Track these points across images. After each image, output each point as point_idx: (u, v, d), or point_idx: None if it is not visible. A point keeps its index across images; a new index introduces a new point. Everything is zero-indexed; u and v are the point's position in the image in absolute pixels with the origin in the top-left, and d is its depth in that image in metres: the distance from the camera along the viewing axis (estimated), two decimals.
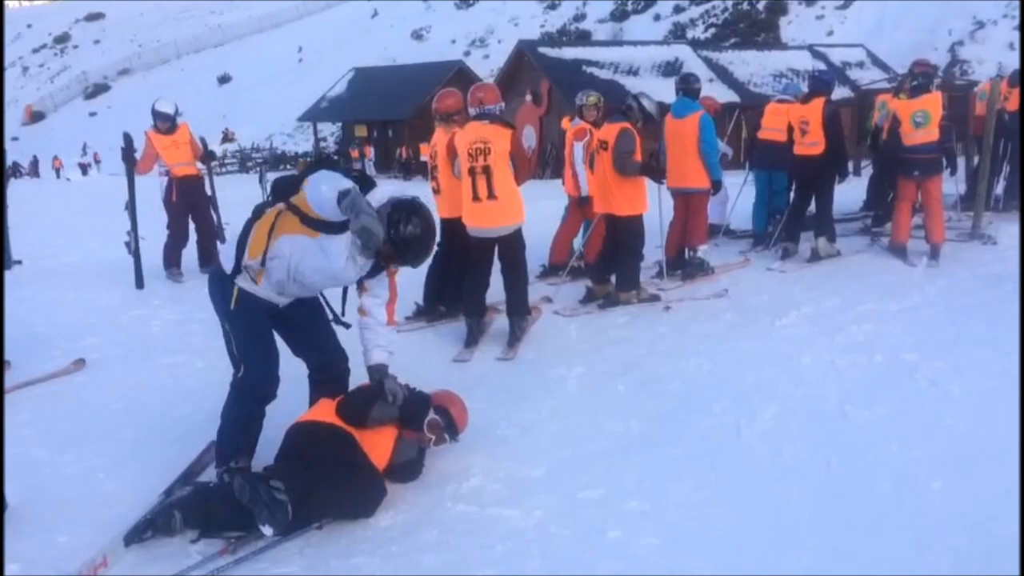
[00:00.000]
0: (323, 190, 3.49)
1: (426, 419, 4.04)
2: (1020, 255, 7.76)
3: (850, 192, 10.35)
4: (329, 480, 3.59)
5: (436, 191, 6.68)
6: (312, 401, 4.11)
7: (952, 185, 9.72)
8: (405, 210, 3.67)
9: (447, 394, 4.26)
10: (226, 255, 3.91)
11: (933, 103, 7.97)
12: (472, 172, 5.94)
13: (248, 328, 3.90)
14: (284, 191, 3.84)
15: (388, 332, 4.21)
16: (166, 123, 8.49)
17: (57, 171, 42.61)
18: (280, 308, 3.98)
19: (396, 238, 3.63)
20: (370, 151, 35.21)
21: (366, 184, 3.78)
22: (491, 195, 5.93)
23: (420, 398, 4.16)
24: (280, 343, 4.06)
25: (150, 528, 3.39)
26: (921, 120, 7.89)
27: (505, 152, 5.93)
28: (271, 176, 7.71)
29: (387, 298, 4.15)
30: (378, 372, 4.03)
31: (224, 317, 3.91)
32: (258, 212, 3.83)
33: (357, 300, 4.07)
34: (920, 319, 6.36)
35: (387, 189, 3.83)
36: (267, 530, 3.39)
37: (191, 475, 3.87)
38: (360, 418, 3.82)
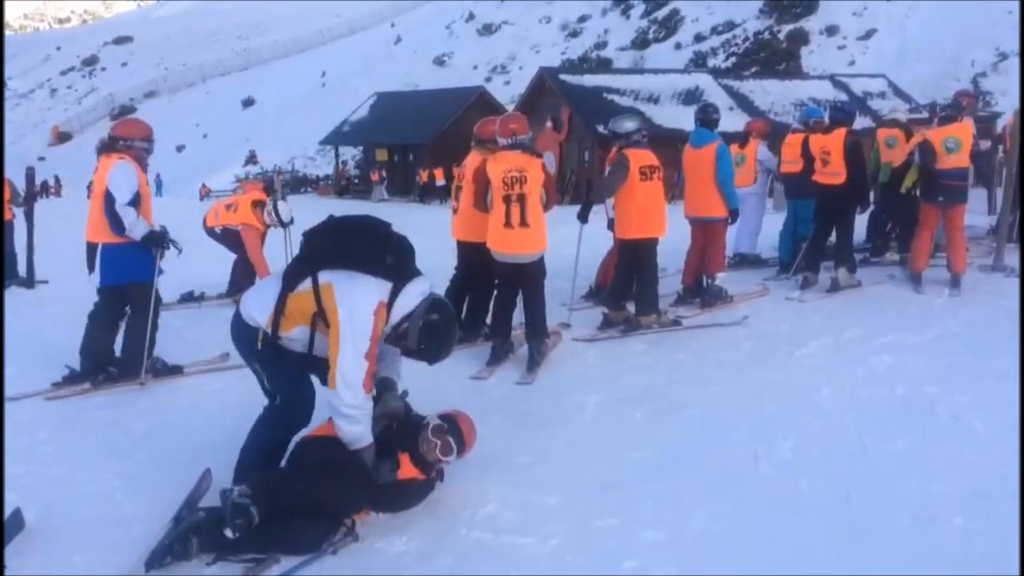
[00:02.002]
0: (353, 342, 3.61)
1: (426, 430, 3.98)
2: (1020, 278, 7.78)
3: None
4: (306, 479, 3.59)
5: (455, 211, 6.78)
6: None
7: (978, 216, 9.71)
8: (441, 315, 3.84)
9: (457, 412, 4.20)
10: (249, 303, 3.93)
11: (964, 131, 8.01)
12: (507, 200, 6.06)
13: (277, 365, 3.92)
14: (315, 258, 3.83)
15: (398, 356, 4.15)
16: None
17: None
18: None
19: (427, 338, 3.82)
20: (378, 175, 35.44)
21: (403, 274, 3.83)
22: (523, 223, 6.07)
23: (416, 421, 4.14)
24: None
25: (168, 554, 3.36)
26: (952, 146, 7.92)
27: (539, 181, 6.09)
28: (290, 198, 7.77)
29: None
30: (382, 385, 4.08)
31: (251, 357, 3.93)
32: (290, 282, 3.82)
33: None
34: (942, 352, 6.30)
35: (422, 287, 3.89)
36: (228, 532, 3.36)
37: (194, 502, 3.85)
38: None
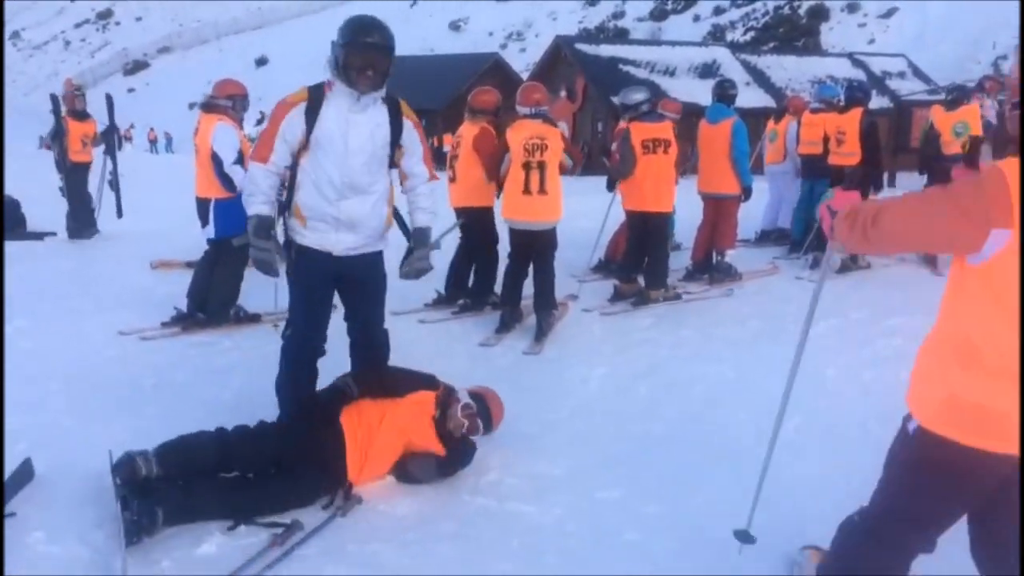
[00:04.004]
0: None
1: (456, 406, 4.03)
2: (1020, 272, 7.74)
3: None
4: (213, 486, 3.57)
5: (452, 179, 6.85)
6: (353, 367, 4.25)
7: None
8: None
9: (485, 389, 4.24)
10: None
11: (972, 114, 7.94)
12: (527, 166, 6.10)
13: (301, 290, 4.11)
14: None
15: (430, 189, 4.27)
16: None
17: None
18: (344, 268, 4.06)
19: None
20: None
21: None
22: (542, 189, 6.12)
23: (408, 375, 4.19)
24: None
25: (140, 530, 3.22)
26: (961, 130, 7.86)
27: (559, 149, 6.14)
28: None
29: (422, 153, 4.23)
30: (421, 235, 4.22)
31: (288, 281, 4.17)
32: None
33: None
34: None
35: None
36: (132, 538, 3.21)
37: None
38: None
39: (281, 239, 4.13)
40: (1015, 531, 2.37)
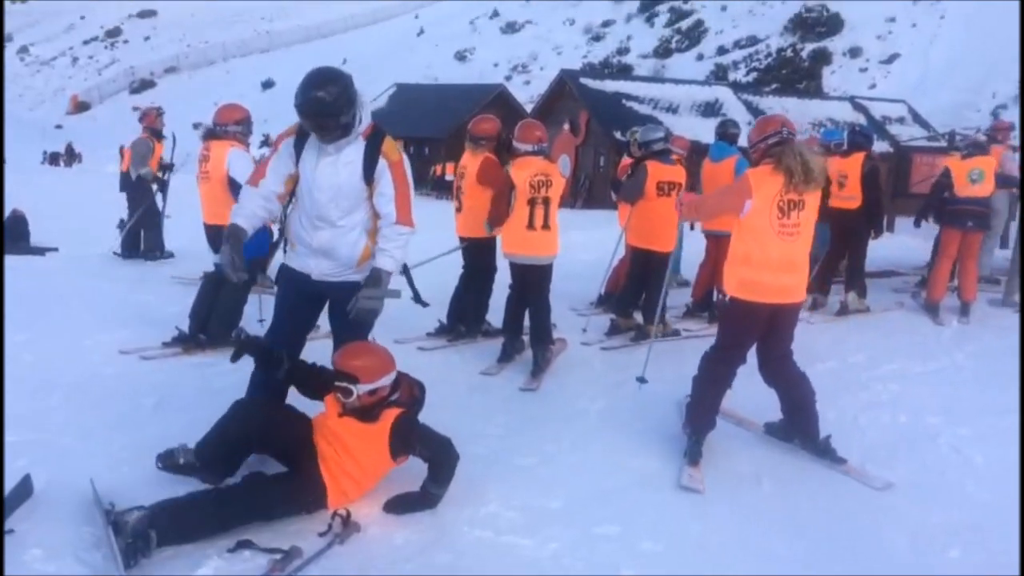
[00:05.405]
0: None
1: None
2: (1020, 315, 7.83)
3: (883, 248, 10.33)
4: (210, 506, 3.59)
5: (458, 210, 6.89)
6: None
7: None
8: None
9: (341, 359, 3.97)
10: None
11: (988, 163, 8.13)
12: (532, 203, 6.18)
13: (277, 299, 4.41)
14: None
15: (398, 232, 4.09)
16: None
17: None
18: (326, 292, 4.25)
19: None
20: None
21: None
22: (545, 224, 6.20)
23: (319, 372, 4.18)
24: None
25: (136, 551, 3.24)
26: (977, 177, 8.02)
27: (560, 186, 6.26)
28: None
29: (393, 194, 4.09)
30: (373, 275, 4.02)
31: None
32: None
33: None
34: (946, 383, 6.33)
35: None
36: (127, 562, 3.23)
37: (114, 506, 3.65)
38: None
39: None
40: (784, 343, 4.83)
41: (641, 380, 5.60)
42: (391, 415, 3.87)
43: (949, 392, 6.09)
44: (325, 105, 3.82)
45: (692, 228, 7.46)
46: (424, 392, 4.17)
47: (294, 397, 4.27)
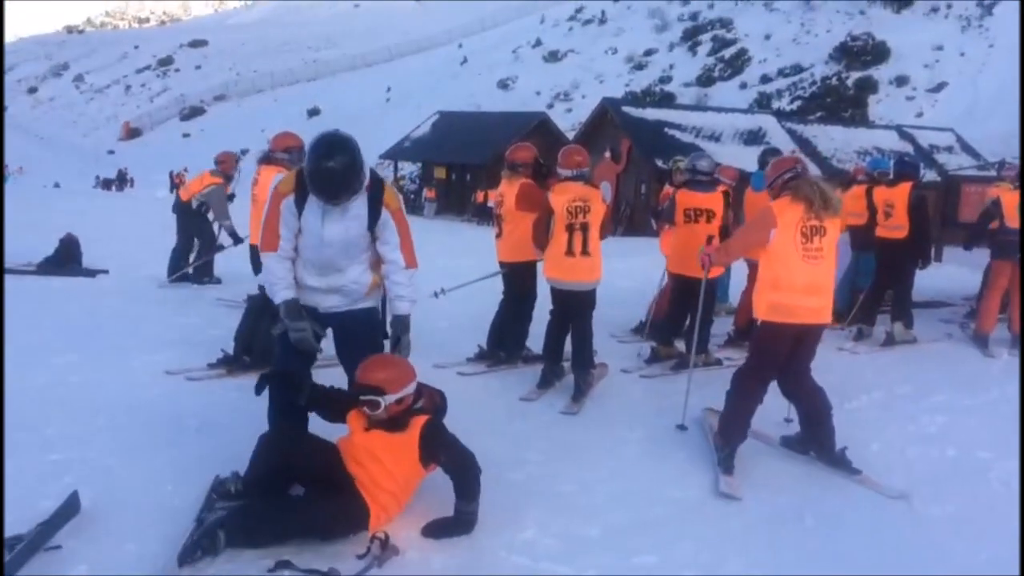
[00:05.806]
0: None
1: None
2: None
3: (930, 279, 10.14)
4: (277, 513, 3.73)
5: (498, 235, 6.93)
6: None
7: None
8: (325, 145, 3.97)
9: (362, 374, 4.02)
10: None
11: None
12: (570, 228, 6.16)
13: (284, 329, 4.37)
14: None
15: (407, 276, 4.32)
16: None
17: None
18: (331, 322, 4.37)
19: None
20: (433, 192, 36.24)
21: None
22: (584, 251, 6.16)
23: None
24: None
25: (198, 548, 3.44)
26: None
27: (600, 212, 6.21)
28: None
29: (398, 241, 4.28)
30: (398, 325, 4.32)
31: None
32: None
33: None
34: (996, 416, 6.19)
35: None
36: (198, 552, 3.45)
37: (212, 503, 3.99)
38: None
39: None
40: (805, 360, 5.07)
41: (681, 428, 5.61)
42: (419, 422, 3.91)
43: (1000, 425, 5.93)
44: (336, 175, 3.94)
45: None
46: (445, 399, 4.20)
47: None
